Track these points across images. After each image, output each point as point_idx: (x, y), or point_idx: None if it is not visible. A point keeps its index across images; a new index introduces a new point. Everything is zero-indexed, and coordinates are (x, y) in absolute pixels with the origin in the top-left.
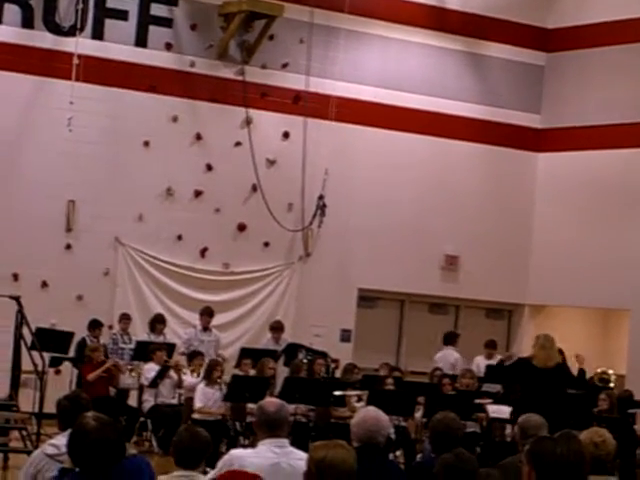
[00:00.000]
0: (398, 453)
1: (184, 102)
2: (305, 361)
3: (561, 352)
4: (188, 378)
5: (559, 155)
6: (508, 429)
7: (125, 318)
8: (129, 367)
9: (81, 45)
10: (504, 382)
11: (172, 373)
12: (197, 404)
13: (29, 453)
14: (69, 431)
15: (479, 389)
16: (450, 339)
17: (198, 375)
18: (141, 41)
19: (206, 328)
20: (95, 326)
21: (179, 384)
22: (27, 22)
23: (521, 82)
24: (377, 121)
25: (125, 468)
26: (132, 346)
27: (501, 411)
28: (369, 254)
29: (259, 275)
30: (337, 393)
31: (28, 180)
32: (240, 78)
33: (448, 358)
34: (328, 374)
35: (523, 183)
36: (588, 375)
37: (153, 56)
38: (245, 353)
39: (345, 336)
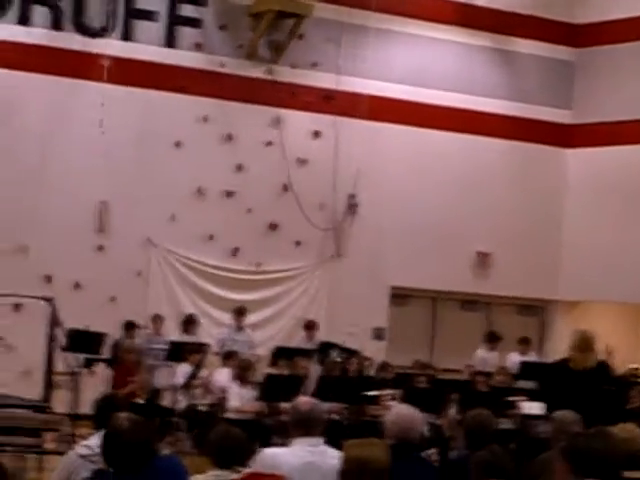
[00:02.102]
0: (432, 451)
1: (214, 102)
2: (338, 360)
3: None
4: (220, 378)
5: (590, 151)
6: (542, 426)
7: (158, 318)
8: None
9: (110, 46)
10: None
11: (203, 374)
12: (233, 403)
13: (63, 455)
14: (102, 432)
15: (513, 386)
16: (493, 340)
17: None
18: (170, 42)
19: (239, 327)
20: (130, 327)
21: (208, 387)
22: (56, 24)
23: (551, 78)
24: (407, 119)
25: (158, 468)
26: (165, 346)
27: (535, 408)
28: (401, 252)
29: (291, 274)
30: (370, 393)
31: (60, 182)
32: (270, 78)
33: (489, 361)
34: (361, 372)
35: (554, 179)
36: (621, 371)
37: (183, 57)
38: (279, 352)
39: (378, 334)
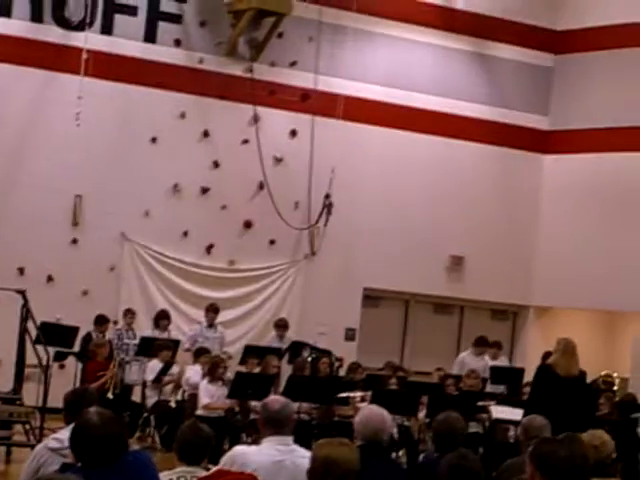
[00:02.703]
0: (401, 453)
1: (192, 98)
2: (309, 359)
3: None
4: (191, 375)
5: (566, 157)
6: (511, 430)
7: (130, 313)
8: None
9: (90, 40)
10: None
11: (174, 370)
12: (203, 400)
13: (32, 447)
14: (72, 426)
15: (483, 390)
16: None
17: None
18: (150, 37)
19: (211, 325)
20: (102, 322)
21: (178, 384)
22: (36, 16)
23: (529, 83)
24: (385, 120)
25: (127, 463)
26: (136, 342)
27: (505, 412)
28: (375, 253)
29: (264, 272)
30: (341, 395)
31: (35, 174)
32: (248, 75)
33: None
34: (332, 373)
35: (530, 184)
36: (591, 378)
37: (162, 52)
38: (249, 350)
39: (349, 335)
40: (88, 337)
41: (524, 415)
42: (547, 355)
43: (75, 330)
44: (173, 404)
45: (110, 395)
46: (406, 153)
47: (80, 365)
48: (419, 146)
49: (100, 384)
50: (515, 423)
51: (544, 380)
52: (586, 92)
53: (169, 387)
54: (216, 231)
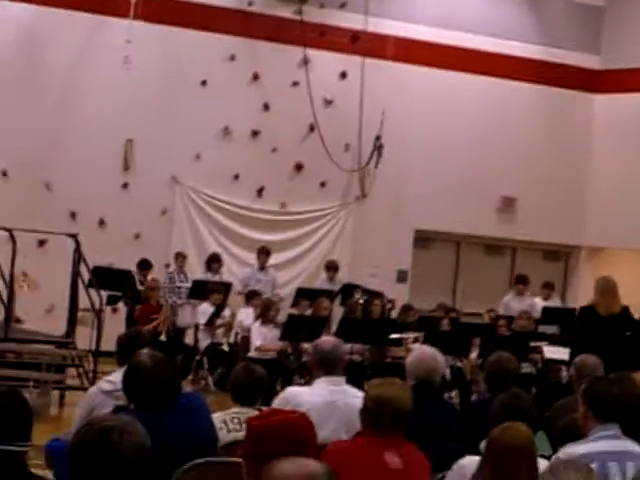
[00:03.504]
0: (453, 394)
1: (242, 41)
2: (361, 301)
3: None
4: (244, 318)
5: (617, 97)
6: (564, 371)
7: (181, 257)
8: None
9: None
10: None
11: (225, 313)
12: (256, 342)
13: (85, 390)
14: (125, 368)
15: (535, 331)
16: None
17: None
18: None
19: (263, 267)
20: (145, 266)
21: (230, 327)
22: None
23: (580, 22)
24: (434, 61)
25: (180, 405)
26: (188, 285)
27: (557, 352)
28: (426, 195)
29: (315, 215)
30: (393, 336)
31: (86, 119)
32: (298, 17)
33: (514, 308)
34: (384, 314)
35: (581, 125)
36: None
37: None
38: (301, 293)
39: (401, 277)
40: (131, 280)
41: (570, 357)
42: None
43: (127, 274)
44: (226, 347)
45: (163, 338)
46: (456, 94)
47: (133, 309)
48: (469, 87)
49: (152, 327)
50: (567, 363)
51: (586, 321)
52: (637, 31)
53: (221, 330)
54: (267, 174)
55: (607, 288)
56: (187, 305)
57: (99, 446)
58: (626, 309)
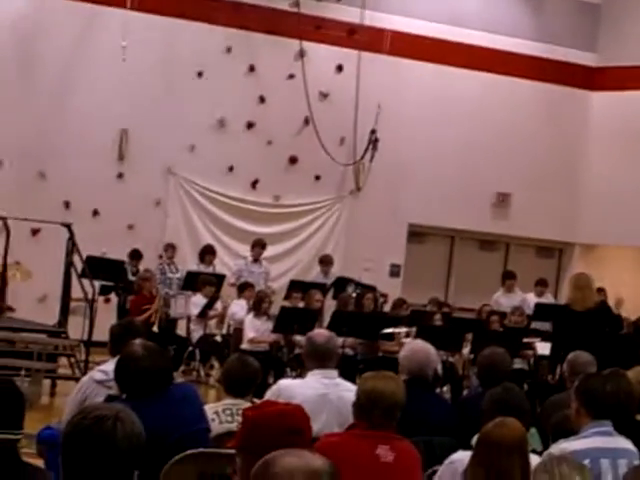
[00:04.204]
0: (445, 388)
1: (238, 33)
2: (354, 295)
3: (602, 290)
4: (237, 310)
5: (613, 94)
6: (557, 368)
7: (171, 247)
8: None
9: None
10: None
11: (218, 305)
12: (249, 334)
13: (77, 380)
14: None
15: (528, 327)
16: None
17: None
18: None
19: (256, 260)
20: (136, 257)
21: (223, 318)
22: None
23: (577, 19)
24: (431, 56)
25: (172, 395)
26: (179, 275)
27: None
28: (420, 189)
29: (310, 208)
30: (386, 331)
31: (81, 108)
32: (295, 10)
33: (505, 305)
34: (376, 308)
35: (576, 121)
36: (636, 315)
37: None
38: (294, 285)
39: (394, 271)
40: (124, 271)
41: (550, 353)
42: (598, 291)
43: (121, 264)
44: (219, 338)
45: (155, 329)
46: (452, 89)
47: (117, 299)
48: (465, 82)
49: (145, 317)
50: (549, 358)
51: (561, 319)
52: (634, 29)
53: (214, 321)
54: (261, 166)
55: (580, 283)
56: (179, 296)
57: (93, 435)
58: (603, 303)
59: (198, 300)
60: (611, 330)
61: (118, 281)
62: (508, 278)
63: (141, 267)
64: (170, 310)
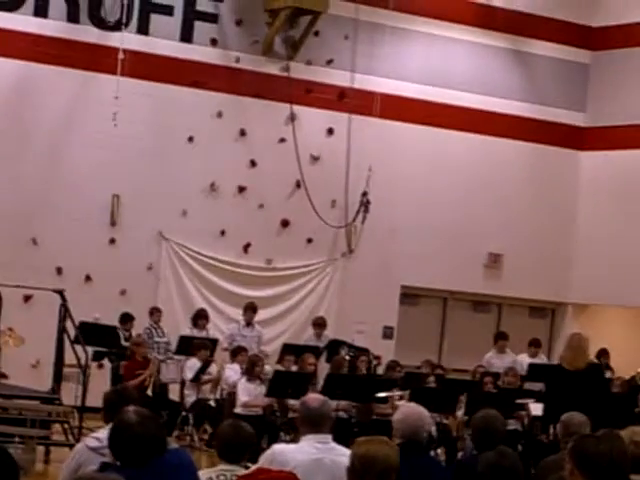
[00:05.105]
0: (439, 451)
1: (229, 98)
2: (347, 357)
3: (605, 352)
4: (230, 374)
5: (603, 154)
6: (550, 428)
7: (156, 311)
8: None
9: (126, 40)
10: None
11: (212, 369)
12: (242, 398)
13: (71, 446)
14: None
15: (521, 388)
16: (500, 338)
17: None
18: (186, 36)
19: (249, 323)
20: (127, 320)
21: (217, 383)
22: (72, 16)
23: (566, 80)
24: (421, 118)
25: (166, 462)
26: (166, 339)
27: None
28: (412, 251)
29: (302, 271)
30: (380, 395)
31: (73, 174)
32: (285, 74)
33: (496, 365)
34: (370, 371)
35: (567, 181)
36: (630, 375)
37: (198, 51)
38: (287, 349)
39: (387, 333)
40: (115, 335)
41: (544, 412)
42: (601, 352)
43: (113, 329)
44: (212, 403)
45: (150, 392)
46: (443, 150)
47: (111, 365)
48: (456, 144)
49: (139, 382)
50: (541, 419)
51: (552, 378)
52: (623, 89)
53: (208, 385)
54: (253, 230)
55: (573, 343)
56: (169, 361)
57: None
58: (594, 365)
59: (193, 364)
60: (597, 392)
61: (111, 347)
62: (500, 339)
63: (134, 332)
64: (161, 375)
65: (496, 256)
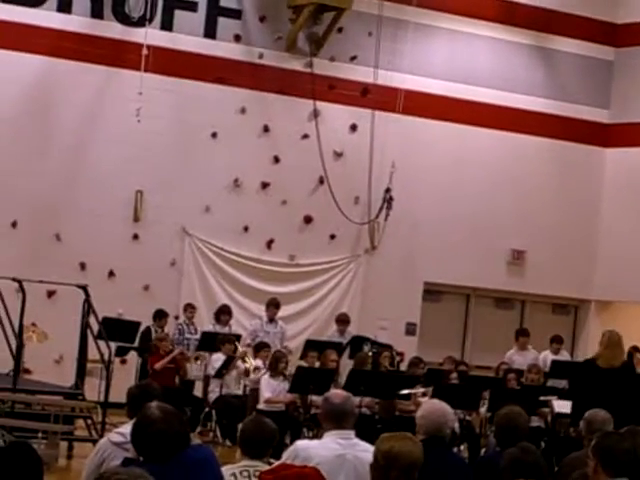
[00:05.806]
0: (462, 447)
1: (252, 94)
2: (370, 354)
3: (637, 349)
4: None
5: (627, 150)
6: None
7: (190, 308)
8: (195, 356)
9: (150, 36)
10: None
11: (239, 363)
12: (265, 395)
13: (94, 442)
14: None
15: (545, 384)
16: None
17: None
18: (210, 32)
19: (272, 319)
20: (161, 316)
21: (246, 373)
22: (96, 12)
23: (590, 77)
24: (445, 114)
25: (189, 458)
26: (198, 336)
27: (566, 406)
28: (435, 248)
29: (325, 267)
30: (403, 392)
31: (96, 170)
32: (308, 70)
33: (518, 362)
34: (393, 367)
35: (591, 178)
36: None
37: (222, 47)
38: (310, 345)
39: (410, 329)
40: (147, 332)
41: (572, 409)
42: (634, 349)
43: (136, 325)
44: (240, 392)
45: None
46: (466, 147)
47: (140, 360)
48: (479, 140)
49: (167, 362)
50: (569, 416)
51: (585, 374)
52: None
53: (233, 376)
54: (276, 226)
55: (612, 341)
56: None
57: None
58: (628, 363)
59: (218, 357)
60: (631, 390)
61: (136, 342)
62: (521, 335)
63: (167, 328)
64: (187, 371)
65: (519, 253)
